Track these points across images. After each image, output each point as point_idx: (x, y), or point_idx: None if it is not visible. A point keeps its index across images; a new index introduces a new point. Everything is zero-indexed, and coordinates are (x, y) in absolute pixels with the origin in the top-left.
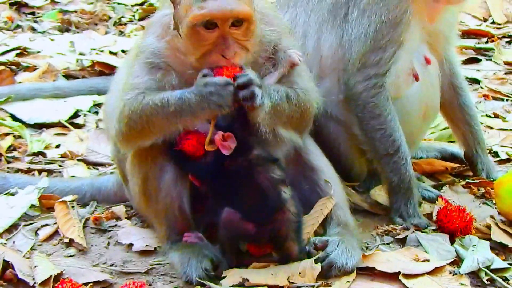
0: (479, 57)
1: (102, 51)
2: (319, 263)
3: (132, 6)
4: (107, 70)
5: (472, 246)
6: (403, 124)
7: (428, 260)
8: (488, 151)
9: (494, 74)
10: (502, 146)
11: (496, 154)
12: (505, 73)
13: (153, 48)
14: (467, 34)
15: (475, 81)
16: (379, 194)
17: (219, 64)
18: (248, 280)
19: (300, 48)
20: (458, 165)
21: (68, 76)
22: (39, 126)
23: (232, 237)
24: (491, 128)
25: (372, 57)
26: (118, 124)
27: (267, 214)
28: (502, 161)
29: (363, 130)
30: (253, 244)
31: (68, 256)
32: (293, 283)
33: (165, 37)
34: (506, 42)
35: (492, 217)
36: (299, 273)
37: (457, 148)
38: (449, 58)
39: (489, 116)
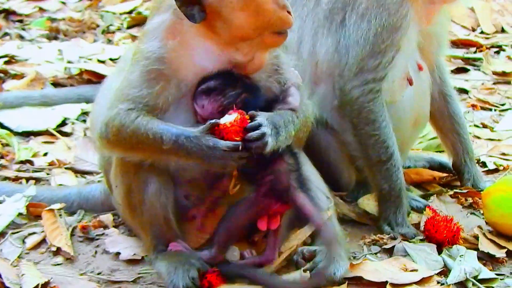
0: (468, 67)
1: (90, 59)
2: (308, 272)
3: (120, 14)
4: (95, 78)
5: (460, 256)
6: (395, 131)
7: (416, 270)
8: (476, 161)
9: (483, 84)
10: (490, 156)
11: (484, 164)
12: (494, 83)
13: (157, 54)
14: (455, 44)
15: (463, 91)
16: (367, 203)
17: (285, 25)
18: None
19: (296, 55)
20: (446, 174)
21: (56, 84)
22: (27, 134)
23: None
24: (479, 138)
25: (370, 62)
26: (105, 128)
27: (265, 161)
28: (490, 171)
29: (356, 136)
30: (263, 212)
31: (55, 265)
32: None
33: (168, 40)
34: (495, 52)
35: (479, 227)
36: None
37: (445, 158)
38: (439, 65)
39: (477, 126)
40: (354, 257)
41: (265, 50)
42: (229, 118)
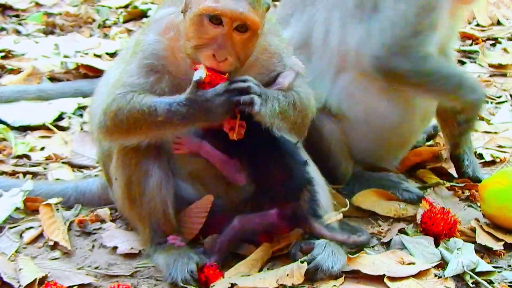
0: (464, 59)
1: (86, 53)
2: (305, 262)
3: (116, 8)
4: (92, 72)
5: (457, 249)
6: (406, 125)
7: (413, 263)
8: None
9: (479, 76)
10: (487, 148)
11: (481, 156)
12: (490, 76)
13: (153, 48)
14: None
15: None
16: (361, 200)
17: (206, 63)
18: (236, 284)
19: (322, 45)
20: (443, 148)
21: (52, 79)
22: (24, 129)
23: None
24: (476, 131)
25: (410, 41)
26: (104, 117)
27: (294, 192)
28: (486, 163)
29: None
30: (273, 231)
31: (52, 259)
32: (282, 285)
33: (167, 35)
34: (491, 44)
35: (476, 220)
36: (287, 275)
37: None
38: (449, 56)
39: None
40: (352, 250)
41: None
42: (203, 72)
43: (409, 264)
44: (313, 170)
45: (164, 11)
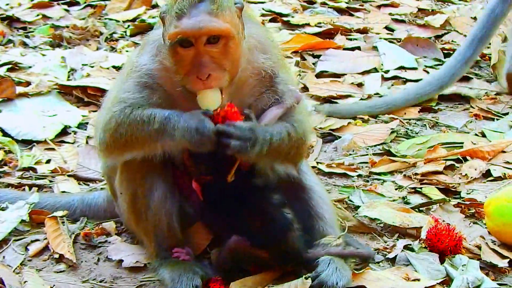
0: (470, 75)
1: (92, 66)
2: (309, 278)
3: (123, 22)
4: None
5: (462, 266)
6: None
7: (418, 280)
8: (480, 171)
9: (486, 93)
10: (493, 164)
11: (488, 172)
12: (496, 94)
13: (146, 69)
14: None
15: (466, 99)
16: (367, 210)
17: (195, 88)
18: None
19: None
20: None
21: (60, 92)
22: (30, 142)
23: (239, 262)
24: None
25: None
26: (103, 134)
27: (278, 236)
28: (494, 180)
29: None
30: (264, 266)
31: (58, 272)
32: None
33: (158, 56)
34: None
35: (482, 237)
36: None
37: None
38: None
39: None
40: (357, 266)
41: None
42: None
43: (414, 280)
44: (316, 184)
45: (156, 32)
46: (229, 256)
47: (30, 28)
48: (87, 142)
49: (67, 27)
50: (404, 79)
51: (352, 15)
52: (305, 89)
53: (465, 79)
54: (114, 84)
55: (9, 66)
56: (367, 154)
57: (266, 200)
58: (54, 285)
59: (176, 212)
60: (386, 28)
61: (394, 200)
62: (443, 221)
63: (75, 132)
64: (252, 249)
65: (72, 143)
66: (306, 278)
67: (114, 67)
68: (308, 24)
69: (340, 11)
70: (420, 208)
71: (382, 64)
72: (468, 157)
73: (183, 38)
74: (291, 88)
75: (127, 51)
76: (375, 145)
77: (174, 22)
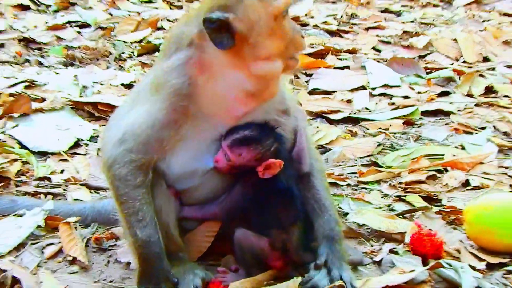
0: (449, 90)
1: (103, 84)
2: (300, 277)
3: (131, 43)
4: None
5: (461, 268)
6: None
7: (413, 271)
8: (460, 181)
9: (466, 105)
10: (472, 175)
11: (467, 182)
12: (476, 105)
13: (186, 90)
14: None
15: (447, 113)
16: (355, 217)
17: (303, 47)
18: None
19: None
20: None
21: (73, 107)
22: (45, 153)
23: (249, 253)
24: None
25: None
26: (107, 170)
27: (286, 224)
28: (472, 189)
29: None
30: (266, 259)
31: (71, 273)
32: None
33: (198, 76)
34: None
35: (461, 241)
36: None
37: None
38: None
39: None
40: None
41: (279, 76)
42: None
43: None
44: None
45: (182, 55)
46: (239, 249)
47: (45, 48)
48: (98, 154)
49: (79, 47)
50: (391, 96)
51: (342, 36)
52: (298, 104)
53: (445, 93)
54: (130, 103)
55: (26, 83)
56: (356, 165)
57: (291, 192)
58: (67, 285)
59: (173, 221)
60: (374, 48)
61: (380, 208)
62: (426, 227)
63: (86, 145)
64: (255, 239)
65: (84, 155)
66: (300, 285)
67: (122, 84)
68: None
69: (331, 33)
70: (404, 215)
71: (368, 82)
72: (448, 168)
73: (288, 6)
74: (298, 106)
75: (134, 70)
76: (362, 157)
77: None
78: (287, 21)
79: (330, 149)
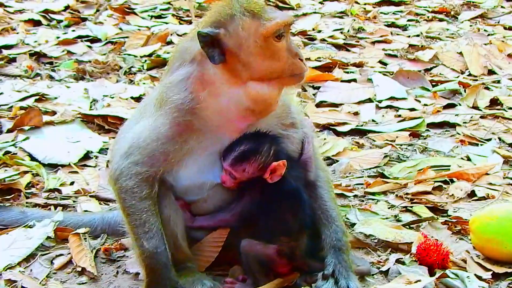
0: (455, 102)
1: (113, 97)
2: (307, 287)
3: (141, 57)
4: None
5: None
6: None
7: (419, 281)
8: (466, 192)
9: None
10: (478, 185)
11: (473, 193)
12: (481, 117)
13: (189, 105)
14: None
15: (453, 125)
16: (362, 228)
17: (304, 68)
18: None
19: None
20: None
21: (83, 120)
22: (55, 165)
23: (256, 262)
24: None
25: None
26: (113, 182)
27: (294, 231)
28: (478, 199)
29: None
30: (274, 267)
31: (80, 284)
32: None
33: (200, 92)
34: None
35: (467, 251)
36: None
37: None
38: None
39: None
40: None
41: (281, 89)
42: None
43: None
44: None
45: (184, 70)
46: (245, 259)
47: (56, 62)
48: (107, 166)
49: (90, 61)
50: (397, 108)
51: (348, 50)
52: (306, 117)
53: (451, 106)
54: (139, 116)
55: (37, 97)
56: (362, 176)
57: (302, 199)
58: None
59: (181, 232)
60: (380, 62)
61: (387, 218)
62: (432, 237)
63: (96, 157)
64: (261, 247)
65: (94, 167)
66: None
67: (132, 98)
68: (308, 59)
69: (338, 46)
70: (411, 225)
71: (375, 95)
72: (454, 179)
73: (280, 30)
74: (306, 118)
75: (144, 83)
76: (369, 168)
77: (266, 17)
78: (285, 44)
79: (337, 161)
